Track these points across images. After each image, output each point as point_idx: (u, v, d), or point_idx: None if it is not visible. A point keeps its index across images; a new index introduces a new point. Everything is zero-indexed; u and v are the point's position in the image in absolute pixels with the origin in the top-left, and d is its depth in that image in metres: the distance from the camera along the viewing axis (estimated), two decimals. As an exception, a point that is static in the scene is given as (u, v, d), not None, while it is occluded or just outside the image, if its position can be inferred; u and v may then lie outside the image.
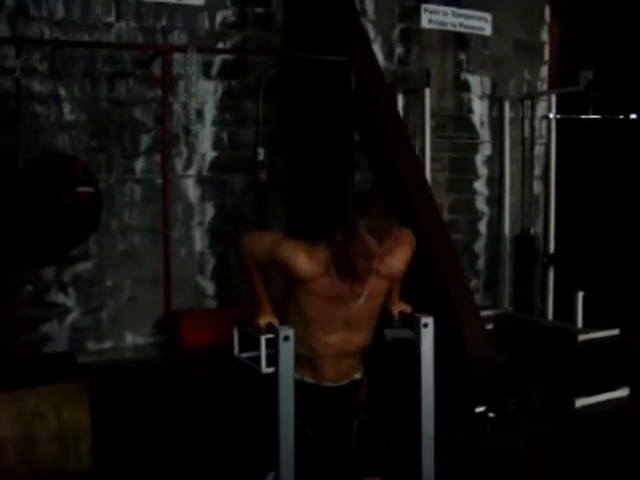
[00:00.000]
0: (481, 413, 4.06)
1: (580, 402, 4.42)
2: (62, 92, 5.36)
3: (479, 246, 7.38)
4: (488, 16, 7.18)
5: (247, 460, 3.46)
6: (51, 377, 3.52)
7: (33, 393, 3.32)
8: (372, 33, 6.58)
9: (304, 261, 2.37)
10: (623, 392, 4.59)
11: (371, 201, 2.35)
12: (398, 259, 2.50)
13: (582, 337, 6.04)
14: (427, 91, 6.35)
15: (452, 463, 3.24)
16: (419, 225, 4.36)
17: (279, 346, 2.25)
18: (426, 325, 2.47)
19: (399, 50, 6.81)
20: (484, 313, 6.03)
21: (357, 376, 2.69)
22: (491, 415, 4.06)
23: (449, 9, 6.99)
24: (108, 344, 5.70)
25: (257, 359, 4.96)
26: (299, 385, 2.41)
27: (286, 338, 2.26)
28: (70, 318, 5.54)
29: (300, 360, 2.43)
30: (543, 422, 4.15)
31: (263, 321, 2.55)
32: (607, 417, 4.27)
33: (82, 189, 4.65)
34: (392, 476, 2.81)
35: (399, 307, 2.73)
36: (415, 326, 2.49)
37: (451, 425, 3.48)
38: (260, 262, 2.51)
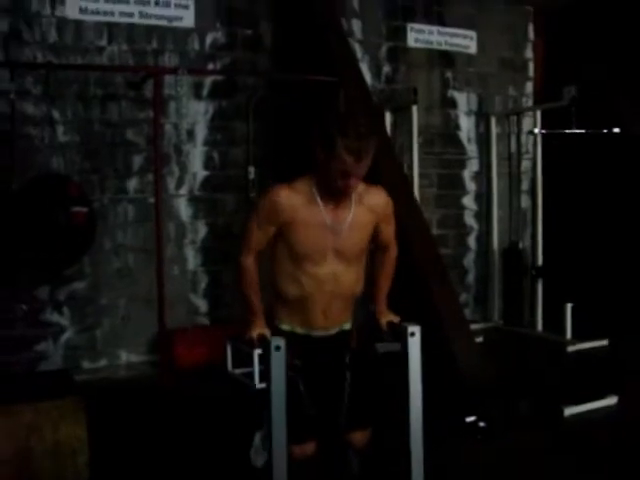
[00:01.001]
0: (472, 423, 4.12)
1: (569, 411, 4.48)
2: (55, 114, 5.44)
3: (468, 260, 7.45)
4: (473, 34, 7.31)
5: (240, 472, 3.52)
6: (48, 393, 3.56)
7: (30, 408, 3.35)
8: (359, 53, 6.70)
9: (286, 191, 2.59)
10: (611, 400, 4.65)
11: (351, 121, 2.48)
12: (378, 195, 2.72)
13: (571, 348, 6.11)
14: (414, 108, 6.43)
15: (441, 471, 3.29)
16: (408, 240, 4.42)
17: (270, 355, 2.32)
18: (413, 334, 2.54)
19: (386, 69, 6.92)
20: (474, 326, 6.08)
21: (347, 326, 2.76)
22: (482, 425, 4.12)
23: (435, 28, 7.11)
24: (103, 362, 5.73)
25: (250, 375, 5.00)
26: (290, 337, 2.48)
27: (277, 348, 2.33)
28: (65, 337, 5.57)
29: (290, 307, 2.52)
30: (532, 431, 4.21)
31: (255, 332, 2.60)
32: (595, 425, 4.32)
33: (76, 209, 4.72)
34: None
35: (387, 317, 2.78)
36: (402, 335, 2.55)
37: (441, 434, 3.53)
38: (264, 245, 2.65)
